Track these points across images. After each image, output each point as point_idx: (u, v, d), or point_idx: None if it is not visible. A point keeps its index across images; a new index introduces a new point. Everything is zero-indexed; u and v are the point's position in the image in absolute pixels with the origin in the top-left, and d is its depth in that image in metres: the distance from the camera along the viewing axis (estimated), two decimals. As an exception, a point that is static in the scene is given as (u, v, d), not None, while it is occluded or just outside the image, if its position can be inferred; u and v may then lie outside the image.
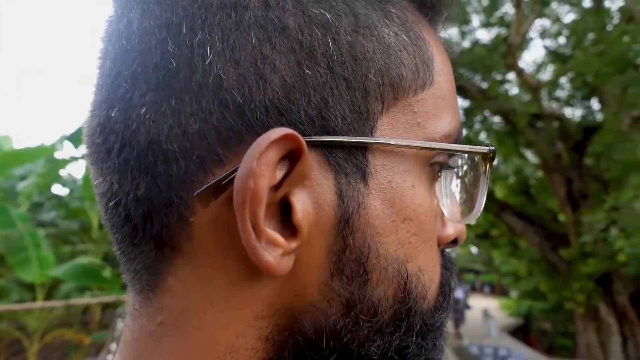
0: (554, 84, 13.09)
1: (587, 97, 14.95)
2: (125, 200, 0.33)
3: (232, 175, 0.31)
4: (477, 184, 0.41)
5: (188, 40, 0.32)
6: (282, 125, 0.31)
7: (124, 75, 0.33)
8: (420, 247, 0.36)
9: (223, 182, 0.31)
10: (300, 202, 0.32)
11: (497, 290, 38.81)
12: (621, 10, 8.05)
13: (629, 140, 7.52)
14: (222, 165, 0.32)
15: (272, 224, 0.32)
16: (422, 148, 0.35)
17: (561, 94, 14.71)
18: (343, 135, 0.33)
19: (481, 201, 0.41)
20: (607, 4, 10.86)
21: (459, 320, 12.27)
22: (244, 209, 0.30)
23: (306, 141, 0.31)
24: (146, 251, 0.34)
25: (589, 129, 11.58)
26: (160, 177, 0.32)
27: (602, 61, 7.10)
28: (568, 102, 14.61)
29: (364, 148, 0.34)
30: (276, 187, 0.31)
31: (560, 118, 12.05)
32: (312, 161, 0.32)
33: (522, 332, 19.41)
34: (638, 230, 5.84)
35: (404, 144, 0.34)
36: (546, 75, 14.08)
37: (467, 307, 12.73)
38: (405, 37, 0.36)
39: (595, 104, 14.77)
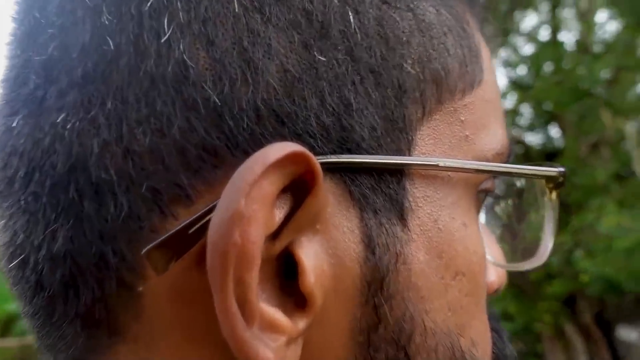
0: (515, 111, 13.73)
1: (546, 124, 15.76)
2: (35, 259, 0.22)
3: (206, 220, 0.20)
4: (539, 216, 0.32)
5: (134, 8, 0.21)
6: (283, 138, 0.21)
7: (34, 63, 0.22)
8: (473, 311, 0.26)
9: (190, 231, 0.20)
10: (311, 257, 0.21)
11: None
12: (577, 42, 8.62)
13: (588, 166, 7.93)
14: (188, 203, 0.21)
15: (269, 295, 0.21)
16: (477, 171, 0.25)
17: (522, 121, 15.46)
18: (371, 153, 0.22)
19: (548, 240, 0.31)
20: (562, 36, 11.64)
21: None
22: (224, 277, 0.18)
23: (320, 163, 0.20)
24: (70, 336, 0.23)
25: (550, 154, 12.15)
26: (88, 222, 0.21)
27: (561, 90, 7.53)
28: (529, 128, 15.33)
29: (400, 173, 0.23)
30: (274, 235, 0.20)
31: (523, 143, 12.61)
32: (327, 193, 0.21)
33: (493, 354, 19.66)
34: (601, 251, 6.08)
35: (456, 165, 0.24)
36: (508, 103, 14.76)
37: None
38: (448, 16, 0.26)
39: (555, 130, 15.60)
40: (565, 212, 12.41)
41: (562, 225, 12.06)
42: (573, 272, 10.71)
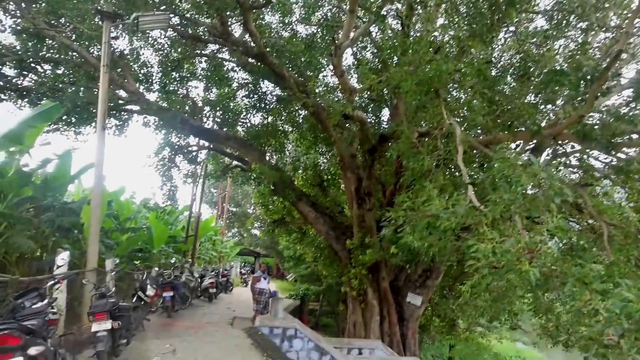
0: (359, 91, 14.53)
1: (379, 109, 17.24)
2: None
3: None
4: None
5: None
6: None
7: None
8: None
9: None
10: None
11: (275, 273, 41.51)
12: (431, 42, 9.33)
13: (419, 152, 8.85)
14: None
15: None
16: None
17: (363, 102, 16.56)
18: None
19: None
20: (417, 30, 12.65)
21: (263, 310, 12.49)
22: None
23: None
24: None
25: (383, 137, 13.35)
26: None
27: (413, 80, 8.13)
28: (367, 110, 16.55)
29: None
30: None
31: (363, 123, 13.51)
32: None
33: (297, 312, 21.22)
34: (420, 227, 6.79)
35: None
36: (353, 82, 15.55)
37: (273, 295, 13.05)
38: None
39: (386, 115, 17.20)
40: (398, 192, 13.59)
41: (376, 202, 13.20)
42: (385, 245, 11.99)
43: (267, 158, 16.73)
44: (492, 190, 6.12)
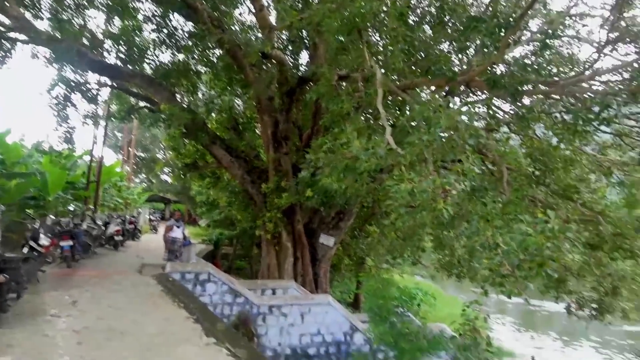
0: (279, 29, 13.83)
1: (298, 50, 16.68)
2: None
3: None
4: None
5: None
6: None
7: None
8: None
9: None
10: None
11: (187, 219, 40.46)
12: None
13: (338, 95, 8.74)
14: None
15: None
16: None
17: (282, 44, 15.85)
18: None
19: None
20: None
21: (175, 260, 11.98)
22: None
23: None
24: None
25: (302, 79, 13.00)
26: None
27: (335, 18, 7.82)
28: (286, 52, 15.90)
29: None
30: None
31: (282, 63, 12.98)
32: None
33: (210, 257, 20.99)
34: (340, 169, 6.81)
35: None
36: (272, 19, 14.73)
37: (187, 244, 12.50)
38: None
39: (305, 58, 16.71)
40: (316, 136, 13.49)
41: (293, 145, 13.03)
42: (301, 188, 12.01)
43: (178, 99, 15.58)
44: (409, 134, 6.25)
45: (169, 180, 41.60)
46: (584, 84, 6.99)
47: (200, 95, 17.69)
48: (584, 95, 6.86)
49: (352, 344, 12.02)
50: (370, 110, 10.34)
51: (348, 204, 13.80)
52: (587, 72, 7.22)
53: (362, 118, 9.37)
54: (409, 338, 9.36)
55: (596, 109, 6.23)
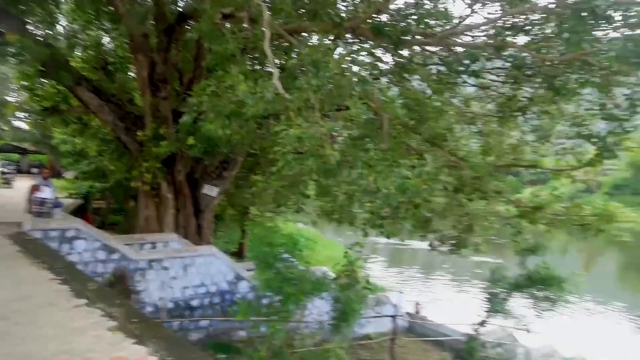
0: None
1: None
2: None
3: None
4: None
5: None
6: None
7: None
8: None
9: None
10: None
11: (50, 172, 35.86)
12: None
13: (223, 35, 8.14)
14: None
15: None
16: None
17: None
18: None
19: None
20: None
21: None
22: None
23: None
24: None
25: (183, 15, 11.81)
26: None
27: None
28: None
29: None
30: None
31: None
32: None
33: (80, 212, 19.02)
34: (225, 114, 6.47)
35: None
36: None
37: (59, 205, 10.90)
38: None
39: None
40: (198, 80, 12.58)
41: (171, 91, 12.17)
42: (182, 136, 11.30)
43: (32, 30, 13.16)
44: (297, 79, 6.10)
45: (26, 127, 36.00)
46: (456, 39, 7.48)
47: (60, 28, 15.18)
48: (457, 48, 7.37)
49: (236, 293, 12.10)
50: (257, 55, 9.89)
51: (233, 152, 13.39)
52: (459, 27, 7.72)
53: (248, 61, 8.92)
54: (294, 282, 9.69)
55: (466, 61, 6.75)
